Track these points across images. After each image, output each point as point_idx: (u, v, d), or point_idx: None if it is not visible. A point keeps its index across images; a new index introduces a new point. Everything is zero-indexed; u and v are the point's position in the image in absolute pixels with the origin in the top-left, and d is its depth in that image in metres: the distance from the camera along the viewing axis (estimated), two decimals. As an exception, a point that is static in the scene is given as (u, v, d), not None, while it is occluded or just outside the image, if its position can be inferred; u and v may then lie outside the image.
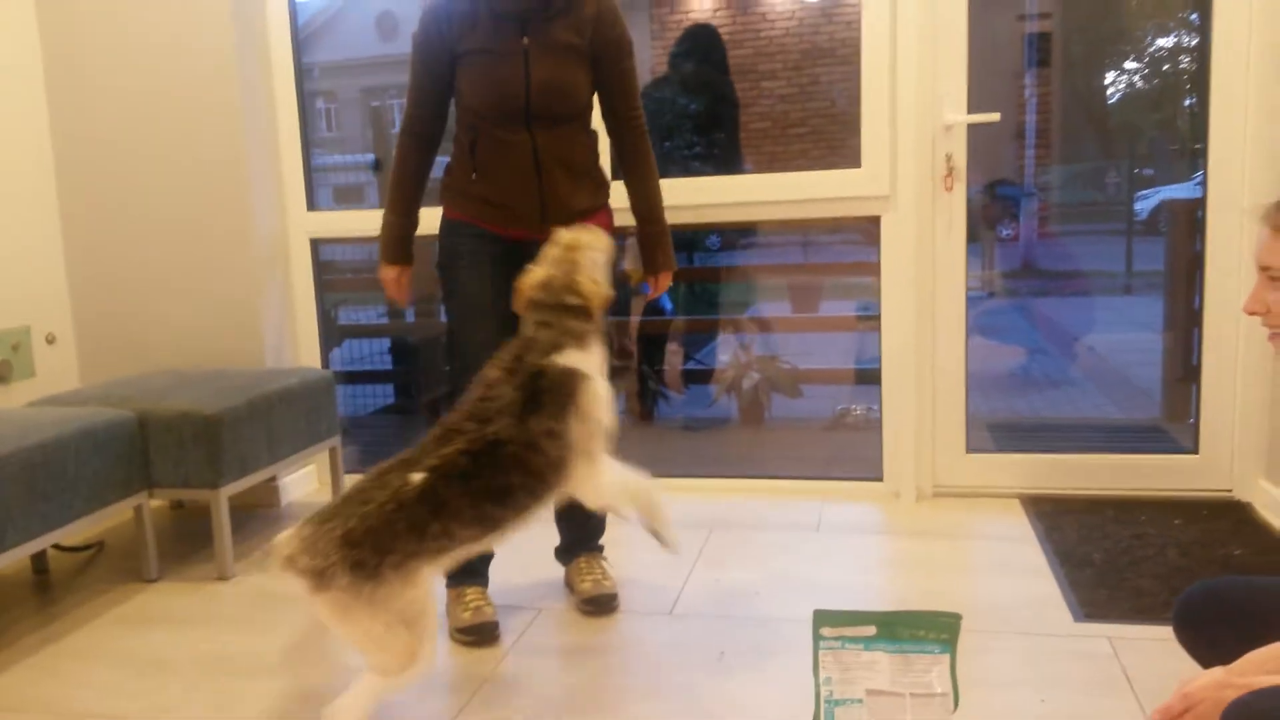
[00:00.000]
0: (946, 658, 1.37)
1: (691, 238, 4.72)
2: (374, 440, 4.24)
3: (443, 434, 1.75)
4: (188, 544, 2.93)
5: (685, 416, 4.33)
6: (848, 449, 3.85)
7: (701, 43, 4.42)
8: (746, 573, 2.52)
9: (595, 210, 2.28)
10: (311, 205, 3.34)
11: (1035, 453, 3.05)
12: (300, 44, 3.30)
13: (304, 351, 3.40)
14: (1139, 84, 5.74)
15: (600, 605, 2.32)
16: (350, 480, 3.24)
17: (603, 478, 1.86)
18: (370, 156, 7.53)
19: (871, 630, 1.38)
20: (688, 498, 3.13)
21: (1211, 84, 2.74)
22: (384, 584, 1.62)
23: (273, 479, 3.21)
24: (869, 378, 3.12)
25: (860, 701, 1.36)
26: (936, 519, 2.87)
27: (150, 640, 2.30)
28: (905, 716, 1.35)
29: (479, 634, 2.18)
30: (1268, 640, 1.31)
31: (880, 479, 3.11)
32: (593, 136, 2.29)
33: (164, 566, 2.74)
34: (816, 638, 1.39)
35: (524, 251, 2.17)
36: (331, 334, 3.78)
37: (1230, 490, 2.91)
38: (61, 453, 2.33)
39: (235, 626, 2.35)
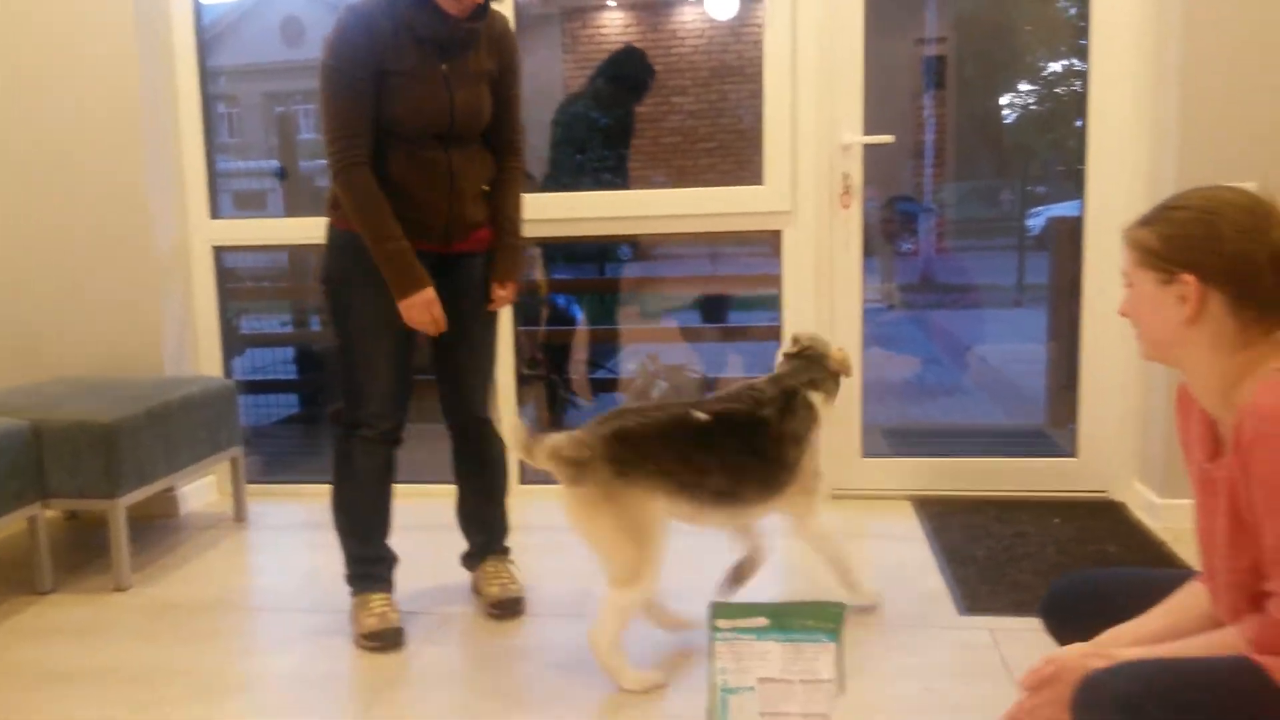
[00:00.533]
0: (833, 645, 1.45)
1: (602, 248, 4.78)
2: (278, 450, 4.19)
3: (720, 398, 2.09)
4: (83, 555, 2.86)
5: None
6: (752, 456, 3.95)
7: (628, 68, 4.50)
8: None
9: (484, 224, 2.31)
10: (215, 213, 3.30)
11: (926, 457, 3.20)
12: (205, 47, 3.27)
13: (205, 360, 3.35)
14: (1033, 106, 6.01)
15: (507, 608, 2.35)
16: (252, 489, 3.22)
17: (815, 519, 2.21)
18: (275, 163, 7.43)
19: (764, 622, 1.45)
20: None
21: (1090, 107, 2.93)
22: (632, 489, 1.89)
23: (171, 489, 3.15)
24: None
25: (753, 689, 1.44)
26: (833, 520, 2.97)
27: (47, 652, 2.24)
28: (794, 703, 1.43)
29: (384, 640, 2.19)
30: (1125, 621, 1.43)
31: (782, 484, 3.21)
32: (491, 155, 2.33)
33: (58, 578, 2.67)
34: (712, 630, 1.46)
35: (425, 263, 2.19)
36: (233, 343, 3.72)
37: (1106, 491, 3.10)
38: (-51, 462, 2.27)
39: (134, 638, 2.31)
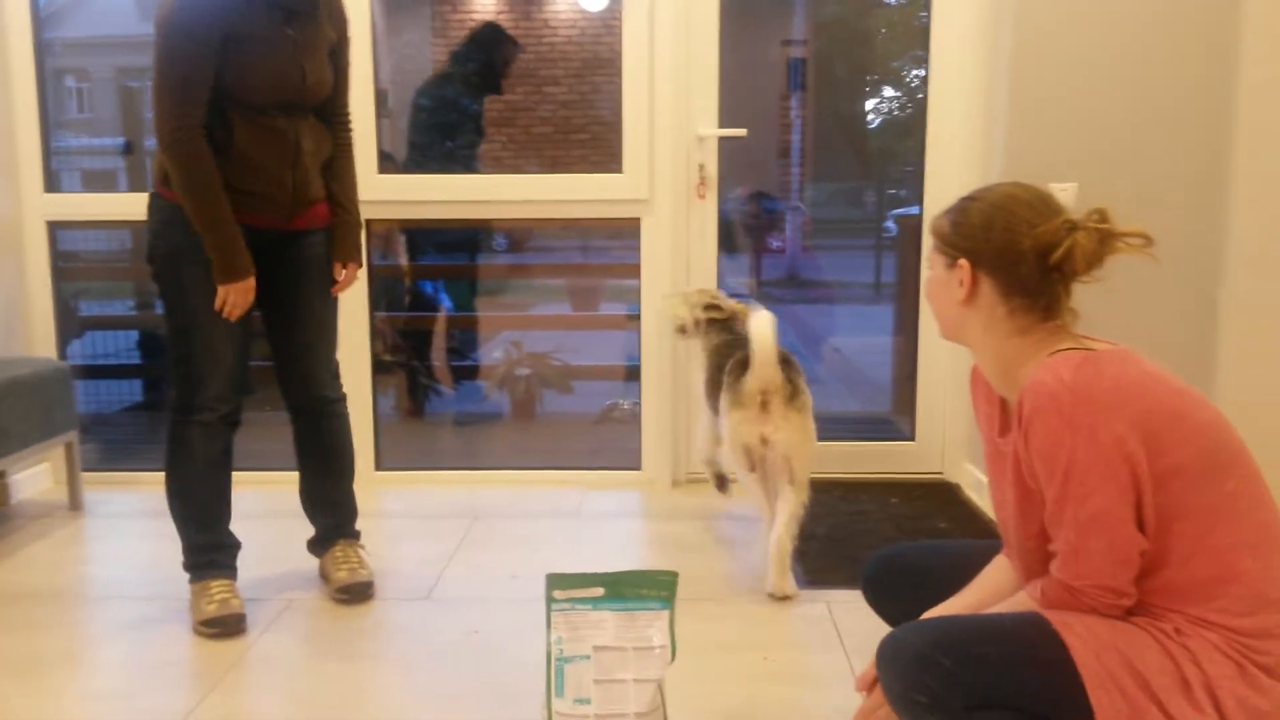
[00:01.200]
0: (666, 613, 1.50)
1: (474, 237, 4.74)
2: (120, 438, 4.01)
3: None
4: (-104, 548, 2.69)
5: (456, 411, 4.36)
6: (614, 441, 4.01)
7: (485, 43, 4.45)
8: (506, 558, 2.60)
9: (322, 199, 2.27)
10: (50, 187, 3.14)
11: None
12: (41, 17, 3.10)
13: (38, 341, 3.18)
14: (896, 111, 6.24)
15: (355, 593, 2.33)
16: (89, 477, 3.08)
17: None
18: (121, 140, 7.06)
19: (599, 591, 1.50)
20: (454, 489, 3.18)
21: (929, 112, 3.09)
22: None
23: (1, 475, 2.98)
24: (638, 374, 3.30)
25: (588, 658, 1.48)
26: (686, 503, 3.07)
27: None
28: (628, 669, 1.48)
29: (224, 626, 2.14)
30: (938, 593, 1.53)
31: (639, 468, 3.28)
32: (325, 128, 2.28)
33: None
34: (549, 600, 1.50)
35: (266, 240, 2.15)
36: (70, 325, 3.54)
37: (941, 472, 3.28)
38: None
39: (-49, 631, 2.19)
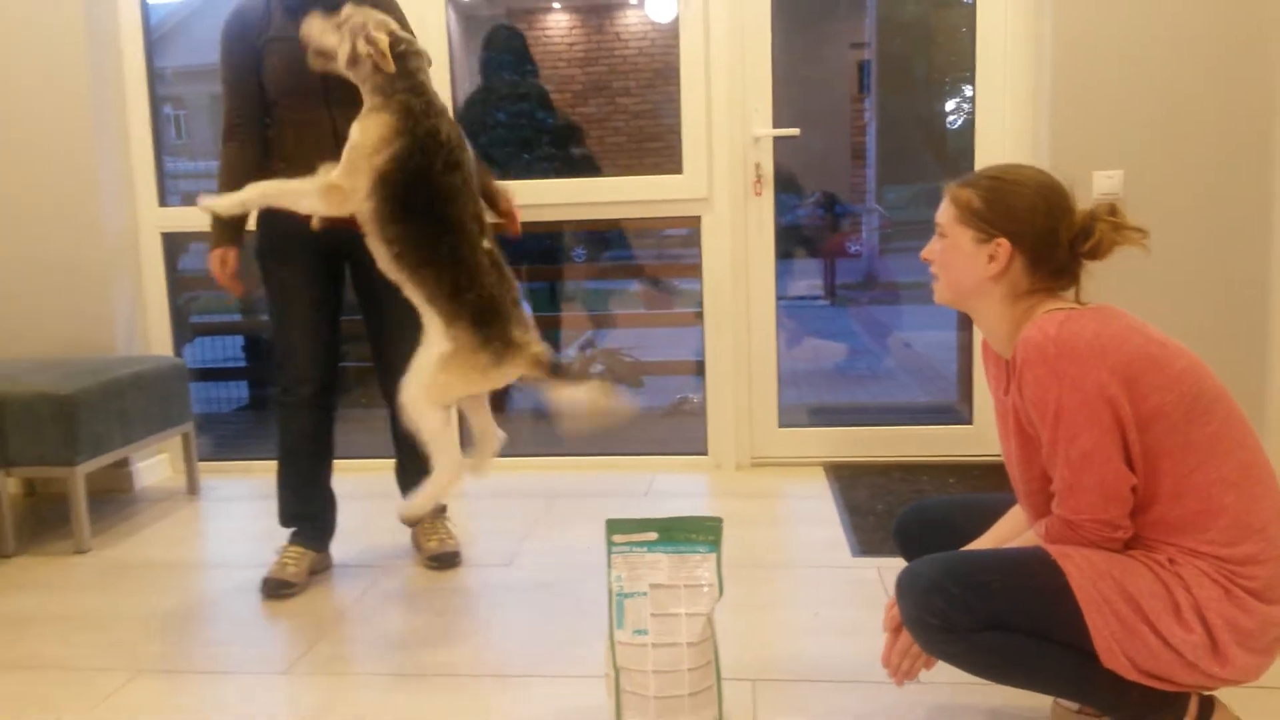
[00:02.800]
0: (714, 555, 1.68)
1: (551, 247, 4.99)
2: (231, 434, 4.34)
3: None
4: (42, 526, 3.02)
5: (535, 405, 4.59)
6: (683, 432, 4.19)
7: (499, 44, 4.60)
8: (579, 532, 2.81)
9: None
10: (163, 201, 3.46)
11: (834, 425, 3.46)
12: (152, 45, 3.43)
13: (155, 342, 3.51)
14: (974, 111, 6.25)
15: (444, 561, 2.56)
16: (204, 466, 3.39)
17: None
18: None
19: (653, 536, 1.68)
20: (531, 473, 3.41)
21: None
22: None
23: (126, 464, 3.31)
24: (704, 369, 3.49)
25: (645, 594, 1.66)
26: (751, 483, 3.23)
27: (12, 602, 2.41)
28: (680, 604, 1.66)
29: (267, 588, 2.41)
30: (961, 541, 1.68)
31: (705, 453, 3.46)
32: None
33: (20, 545, 2.83)
34: (609, 544, 1.69)
35: (345, 242, 2.30)
36: (184, 331, 3.88)
37: (999, 454, 3.37)
38: (-85, 430, 2.43)
39: (93, 590, 2.48)
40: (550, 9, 8.10)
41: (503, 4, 8.10)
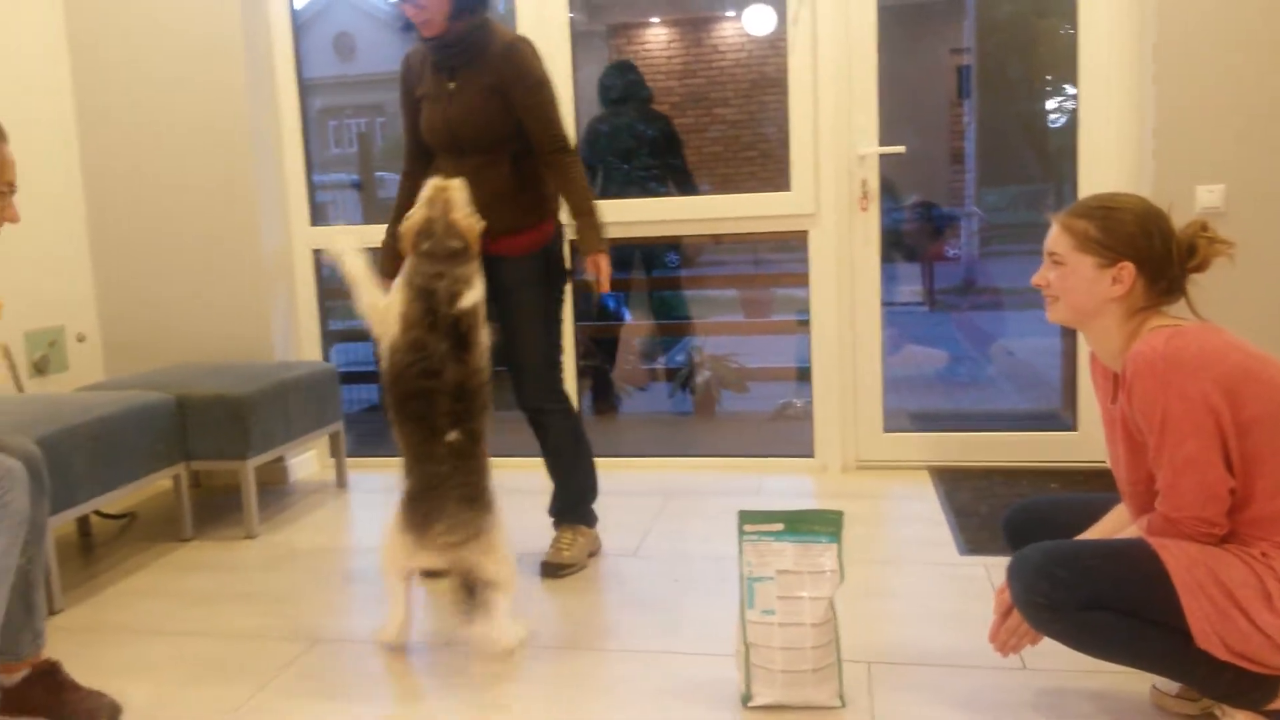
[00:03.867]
0: (835, 545, 1.86)
1: (650, 254, 5.23)
2: (369, 432, 4.68)
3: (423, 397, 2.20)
4: (211, 515, 3.36)
5: (646, 410, 4.83)
6: (788, 435, 4.36)
7: (618, 79, 4.83)
8: (697, 525, 3.02)
9: (520, 230, 2.60)
10: (314, 221, 3.80)
11: (941, 431, 3.59)
12: (301, 62, 3.76)
13: (307, 349, 3.85)
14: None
15: (546, 571, 2.68)
16: (349, 461, 3.70)
17: None
18: (343, 176, 7.99)
19: (780, 526, 1.87)
20: (648, 473, 3.63)
21: (1080, 120, 3.31)
22: None
23: (281, 459, 3.65)
24: (808, 375, 3.65)
25: (772, 579, 1.85)
26: (857, 485, 3.39)
27: (195, 581, 2.74)
28: (804, 589, 1.84)
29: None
30: (1066, 536, 1.83)
31: (812, 455, 3.63)
32: (521, 163, 2.59)
33: (194, 531, 3.17)
34: (741, 533, 1.88)
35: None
36: (328, 337, 4.22)
37: (1104, 460, 3.46)
38: (118, 427, 2.77)
39: (266, 570, 2.79)
40: (648, 23, 8.35)
41: (603, 20, 8.38)
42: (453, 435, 2.18)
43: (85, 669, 2.12)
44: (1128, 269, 1.64)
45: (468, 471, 2.20)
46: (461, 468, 2.19)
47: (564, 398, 2.75)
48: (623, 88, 4.74)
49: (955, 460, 3.56)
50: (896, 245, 6.71)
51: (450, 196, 2.30)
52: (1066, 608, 1.55)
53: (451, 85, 2.59)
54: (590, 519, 2.83)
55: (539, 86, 2.56)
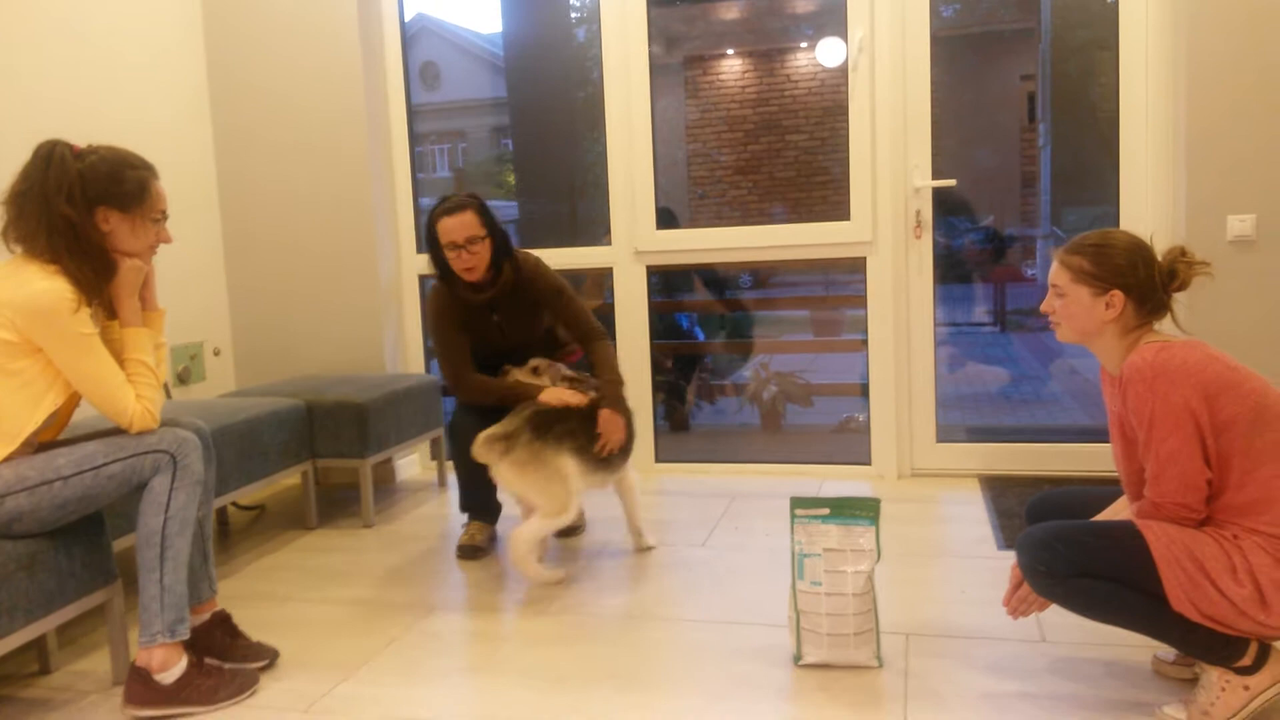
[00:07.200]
0: (873, 528, 2.18)
1: (723, 276, 5.59)
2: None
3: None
4: (328, 508, 3.81)
5: (716, 422, 5.17)
6: (848, 446, 4.66)
7: None
8: (759, 522, 3.35)
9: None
10: (419, 249, 4.25)
11: (991, 442, 3.86)
12: (412, 102, 4.20)
13: (412, 363, 4.29)
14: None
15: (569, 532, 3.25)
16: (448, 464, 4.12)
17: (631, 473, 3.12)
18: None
19: (826, 511, 2.20)
20: (715, 478, 3.97)
21: (1121, 146, 3.57)
22: (547, 448, 2.73)
23: (390, 461, 4.09)
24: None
25: (819, 555, 2.18)
26: (910, 490, 3.68)
27: (324, 560, 3.17)
28: (847, 563, 2.17)
29: (462, 552, 3.13)
30: (1079, 519, 2.12)
31: (869, 464, 3.93)
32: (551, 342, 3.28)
33: (317, 520, 3.61)
34: (792, 515, 2.22)
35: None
36: (428, 353, 4.66)
37: (1146, 472, 3.68)
38: (260, 427, 3.22)
39: (383, 553, 3.21)
40: (723, 55, 8.73)
41: (681, 52, 8.79)
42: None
43: (239, 624, 2.54)
44: (1117, 296, 1.94)
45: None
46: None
47: None
48: None
49: (1004, 469, 3.82)
50: (966, 267, 6.93)
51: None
52: (1063, 575, 1.85)
53: (496, 318, 3.10)
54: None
55: (564, 292, 3.12)
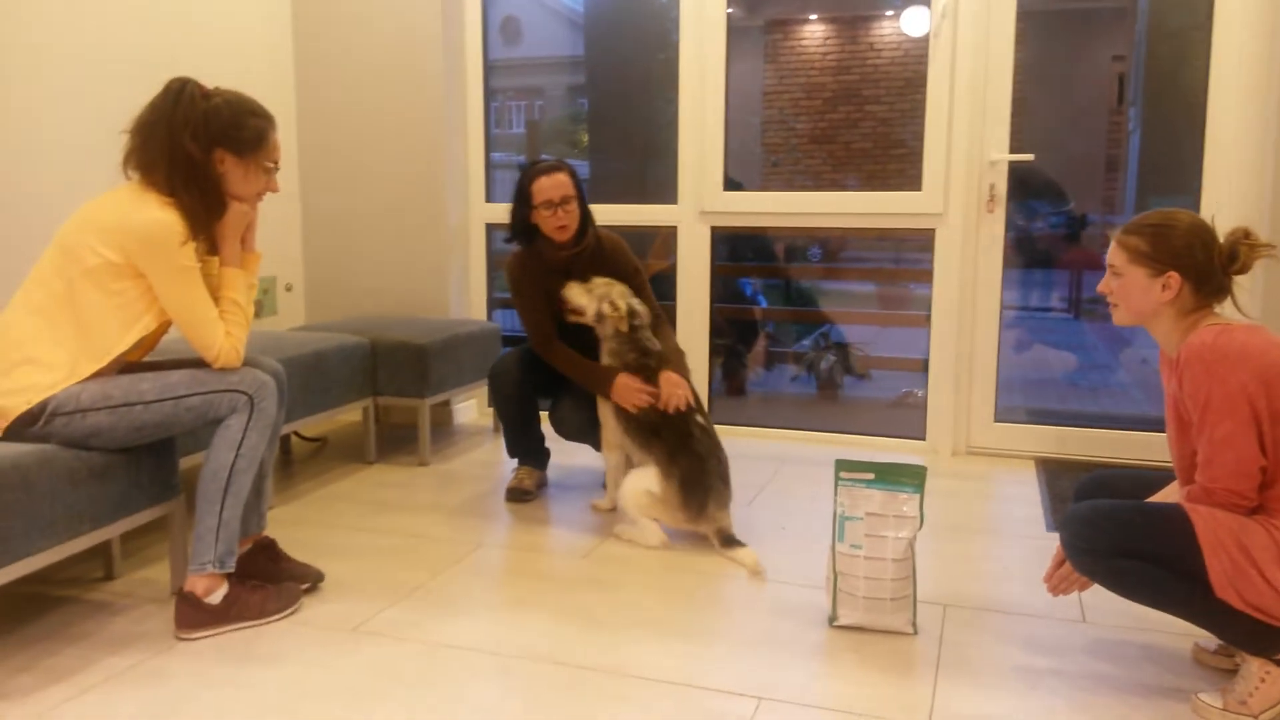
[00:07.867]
0: (917, 495, 2.18)
1: (790, 246, 5.55)
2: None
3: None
4: (387, 444, 3.91)
5: (773, 389, 5.17)
6: (904, 420, 4.62)
7: None
8: (805, 487, 3.36)
9: None
10: (489, 198, 4.30)
11: (1049, 425, 3.80)
12: (489, 56, 4.24)
13: (474, 310, 4.37)
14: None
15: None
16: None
17: None
18: (521, 159, 8.64)
19: (871, 476, 2.20)
20: (768, 442, 3.98)
21: (1208, 125, 3.46)
22: None
23: (448, 403, 4.18)
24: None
25: (861, 519, 2.18)
26: (964, 468, 3.65)
27: (380, 493, 3.27)
28: (888, 529, 2.17)
29: (510, 495, 3.21)
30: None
31: (924, 439, 3.90)
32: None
33: (375, 455, 3.72)
34: (837, 478, 2.23)
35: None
36: (492, 303, 4.74)
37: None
38: (326, 361, 3.32)
39: (436, 491, 3.30)
40: (805, 20, 8.59)
41: (761, 15, 8.68)
42: (700, 419, 2.86)
43: (293, 549, 2.64)
44: (1174, 278, 1.90)
45: (715, 448, 2.83)
46: (714, 444, 2.83)
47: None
48: None
49: (1061, 453, 3.76)
50: (1043, 250, 6.77)
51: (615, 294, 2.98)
52: (1104, 554, 1.84)
53: (571, 281, 3.09)
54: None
55: (641, 273, 3.17)
